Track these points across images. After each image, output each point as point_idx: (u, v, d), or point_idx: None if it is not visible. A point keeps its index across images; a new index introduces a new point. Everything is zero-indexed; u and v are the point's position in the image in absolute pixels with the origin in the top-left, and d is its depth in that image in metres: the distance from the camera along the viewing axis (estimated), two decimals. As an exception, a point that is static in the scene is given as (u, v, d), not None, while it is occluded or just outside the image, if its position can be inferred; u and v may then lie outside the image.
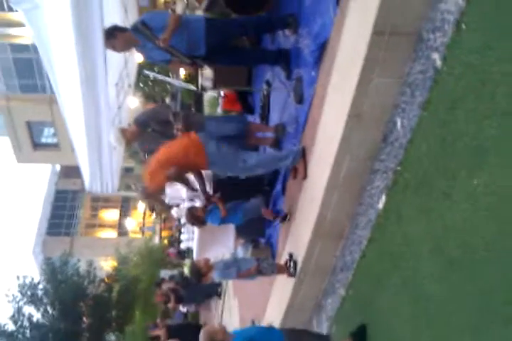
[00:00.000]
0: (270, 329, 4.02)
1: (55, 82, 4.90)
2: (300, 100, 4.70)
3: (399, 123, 3.29)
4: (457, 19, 2.60)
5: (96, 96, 4.76)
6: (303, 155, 4.45)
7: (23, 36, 25.40)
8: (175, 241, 20.64)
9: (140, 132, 5.30)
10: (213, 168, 4.87)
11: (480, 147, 2.49)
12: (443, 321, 2.89)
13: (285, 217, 5.24)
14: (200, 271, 4.80)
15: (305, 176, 4.43)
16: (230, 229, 6.97)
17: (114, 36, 4.57)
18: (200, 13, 6.91)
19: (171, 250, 21.40)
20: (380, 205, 3.63)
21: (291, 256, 4.84)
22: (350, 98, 3.32)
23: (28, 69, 27.88)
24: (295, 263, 4.74)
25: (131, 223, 32.60)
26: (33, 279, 21.83)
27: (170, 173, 4.50)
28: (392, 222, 3.50)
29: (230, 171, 4.86)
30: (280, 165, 4.70)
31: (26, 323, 21.07)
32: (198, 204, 7.21)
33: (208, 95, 13.21)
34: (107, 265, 32.13)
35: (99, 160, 5.38)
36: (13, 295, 21.22)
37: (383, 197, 3.59)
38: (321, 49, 4.06)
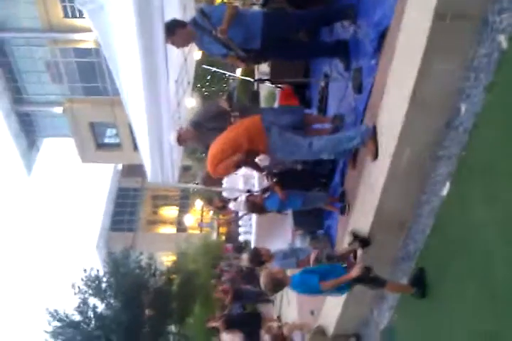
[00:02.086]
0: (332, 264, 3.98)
1: (119, 81, 5.07)
2: (359, 90, 4.68)
3: (463, 109, 3.23)
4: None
5: (157, 93, 4.89)
6: (374, 134, 4.06)
7: (86, 41, 26.43)
8: (231, 237, 20.93)
9: (197, 133, 5.39)
10: (276, 152, 4.53)
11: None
12: (510, 309, 2.83)
13: (344, 208, 5.22)
14: (261, 257, 4.80)
15: (375, 157, 4.05)
16: (288, 220, 7.03)
17: (174, 32, 4.70)
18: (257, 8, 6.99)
19: (228, 245, 21.71)
20: (444, 193, 3.58)
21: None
22: (412, 85, 3.29)
23: (90, 73, 28.90)
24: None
25: (190, 219, 33.14)
26: (98, 271, 22.58)
27: (237, 159, 4.38)
28: (457, 209, 3.45)
29: (293, 155, 4.65)
30: (348, 146, 4.28)
31: (91, 314, 21.81)
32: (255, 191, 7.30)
33: (264, 91, 13.31)
34: (167, 260, 32.90)
35: (161, 153, 5.52)
36: (78, 287, 22.04)
37: (447, 184, 3.53)
38: (381, 37, 4.04)
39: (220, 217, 24.67)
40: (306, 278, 3.75)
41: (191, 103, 10.39)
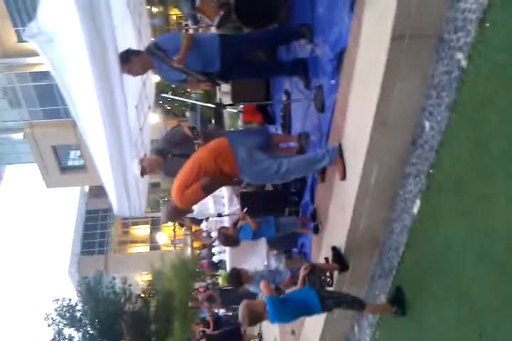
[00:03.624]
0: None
1: (74, 110, 4.93)
2: (321, 108, 4.65)
3: (427, 126, 3.22)
4: (480, 18, 2.54)
5: (117, 121, 4.74)
6: (340, 153, 4.02)
7: (42, 64, 25.93)
8: (205, 255, 20.74)
9: (162, 160, 5.23)
10: (244, 176, 4.37)
11: (516, 146, 2.41)
12: (491, 328, 2.80)
13: (317, 228, 5.18)
14: (240, 278, 4.74)
15: (344, 177, 4.02)
16: (262, 240, 6.94)
17: (129, 60, 4.61)
18: (213, 30, 6.95)
19: (204, 261, 21.48)
20: (415, 210, 3.56)
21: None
22: (374, 104, 3.26)
23: (49, 96, 28.33)
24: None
25: (162, 237, 32.80)
26: (70, 300, 22.06)
27: (205, 182, 4.11)
28: (430, 226, 3.42)
29: (261, 178, 4.45)
30: (317, 168, 4.24)
31: (68, 345, 21.31)
32: (226, 223, 7.22)
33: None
34: (142, 280, 32.41)
35: (126, 184, 5.34)
36: (51, 318, 21.47)
37: (417, 202, 3.51)
38: (340, 57, 4.02)
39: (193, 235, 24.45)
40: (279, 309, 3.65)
41: (155, 119, 10.27)
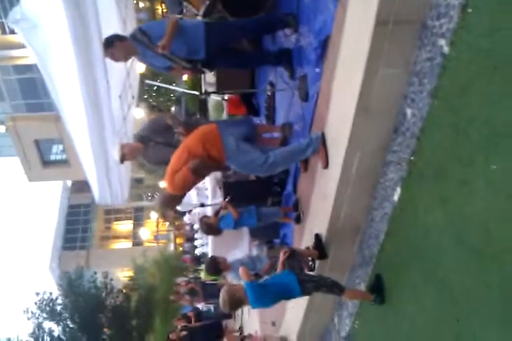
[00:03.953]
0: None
1: (57, 99, 4.89)
2: (305, 98, 4.66)
3: (409, 114, 3.24)
4: (462, 3, 2.55)
5: (99, 110, 4.72)
6: (323, 141, 4.06)
7: (25, 57, 25.64)
8: (188, 249, 20.72)
9: (143, 147, 5.20)
10: (231, 163, 4.37)
11: (494, 131, 2.44)
12: (468, 313, 2.84)
13: (299, 217, 5.20)
14: (218, 266, 4.77)
15: (326, 165, 4.05)
16: (244, 231, 6.96)
17: (113, 45, 4.57)
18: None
19: (186, 256, 21.46)
20: (396, 197, 3.58)
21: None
22: (357, 92, 3.28)
23: (32, 89, 28.07)
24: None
25: (145, 232, 32.66)
26: (51, 294, 21.89)
27: (194, 164, 4.10)
28: (409, 213, 3.45)
29: (247, 168, 4.49)
30: (302, 158, 4.34)
31: (47, 338, 21.13)
32: (209, 211, 7.22)
33: (212, 100, 13.23)
34: (123, 275, 32.24)
35: (107, 172, 5.34)
36: (31, 312, 21.29)
37: (398, 189, 3.54)
38: (324, 45, 4.03)
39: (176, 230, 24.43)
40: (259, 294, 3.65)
41: (139, 114, 10.18)
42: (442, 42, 2.80)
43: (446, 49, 2.78)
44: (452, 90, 2.79)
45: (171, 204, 4.74)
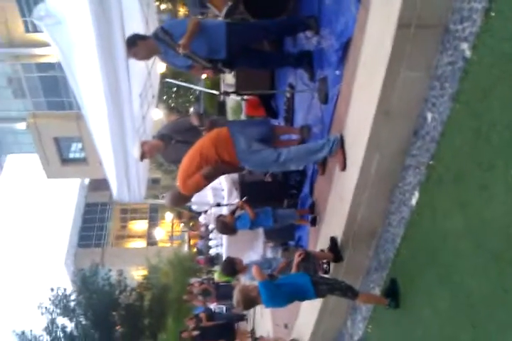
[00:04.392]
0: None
1: (79, 95, 4.94)
2: (325, 100, 4.66)
3: (429, 117, 3.23)
4: (486, 7, 2.54)
5: (120, 108, 4.77)
6: (341, 143, 4.05)
7: (48, 55, 26.00)
8: (202, 249, 20.77)
9: (164, 145, 5.25)
10: (244, 164, 4.47)
11: (516, 136, 2.42)
12: (485, 318, 2.82)
13: (315, 220, 5.19)
14: (235, 267, 4.78)
15: (344, 167, 4.03)
16: (259, 233, 6.96)
17: (136, 44, 4.62)
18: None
19: (200, 257, 21.52)
20: (413, 202, 3.57)
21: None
22: (377, 94, 3.27)
23: (54, 87, 28.41)
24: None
25: (160, 233, 32.82)
26: (65, 290, 22.06)
27: (206, 172, 4.23)
28: (427, 218, 3.43)
29: (262, 167, 4.61)
30: (317, 158, 4.27)
31: (60, 334, 21.29)
32: (224, 211, 7.23)
33: (231, 102, 13.28)
34: (137, 275, 32.42)
35: (126, 169, 5.39)
36: (45, 308, 21.49)
37: (416, 194, 3.52)
38: (345, 47, 4.03)
39: (191, 231, 24.51)
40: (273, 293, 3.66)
41: (157, 115, 10.23)
42: (464, 46, 2.79)
43: (468, 53, 2.76)
44: (474, 94, 2.77)
45: (180, 202, 4.91)
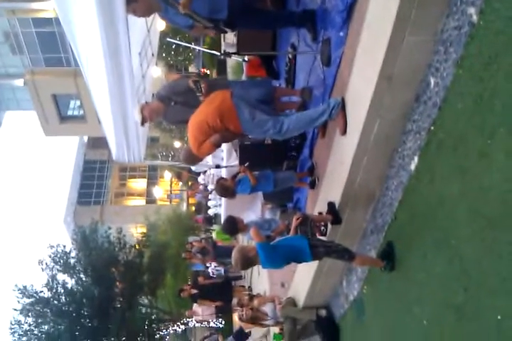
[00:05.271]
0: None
1: (78, 53, 4.86)
2: (328, 62, 4.59)
3: (432, 82, 3.20)
4: (495, -30, 2.48)
5: (119, 66, 4.71)
6: (342, 107, 4.02)
7: (46, 10, 25.37)
8: (201, 208, 20.93)
9: (163, 107, 5.21)
10: (248, 133, 4.72)
11: (519, 103, 2.41)
12: (477, 283, 2.88)
13: (314, 183, 5.22)
14: (236, 225, 4.87)
15: (344, 131, 4.04)
16: (258, 194, 7.00)
17: (136, 0, 4.50)
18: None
19: (199, 216, 21.75)
20: (412, 167, 3.59)
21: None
22: (381, 58, 3.23)
23: (51, 43, 27.89)
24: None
25: (159, 191, 33.05)
26: (64, 247, 22.39)
27: (215, 140, 4.42)
28: (425, 183, 3.45)
29: (265, 135, 4.73)
30: (318, 123, 4.30)
31: (61, 290, 21.73)
32: (223, 174, 7.25)
33: (232, 61, 13.07)
34: (137, 232, 32.88)
35: (125, 130, 5.36)
36: (46, 264, 21.85)
37: (415, 159, 3.53)
38: (350, 9, 3.93)
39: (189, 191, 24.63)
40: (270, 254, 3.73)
41: (157, 72, 10.08)
42: (472, 10, 2.73)
43: (475, 18, 2.71)
44: (478, 60, 2.74)
45: (195, 160, 5.06)
